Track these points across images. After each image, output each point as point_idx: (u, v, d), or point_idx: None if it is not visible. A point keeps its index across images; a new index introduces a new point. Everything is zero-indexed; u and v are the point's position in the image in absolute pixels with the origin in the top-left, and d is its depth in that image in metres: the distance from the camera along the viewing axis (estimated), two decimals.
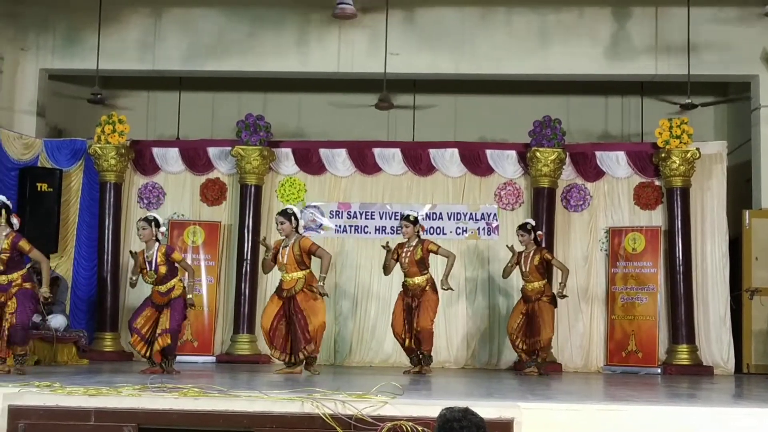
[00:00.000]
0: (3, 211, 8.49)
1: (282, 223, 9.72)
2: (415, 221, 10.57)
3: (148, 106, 14.96)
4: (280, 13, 13.26)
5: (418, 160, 12.91)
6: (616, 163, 12.64)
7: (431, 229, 12.49)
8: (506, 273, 11.07)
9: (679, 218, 12.21)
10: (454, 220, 12.80)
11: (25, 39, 13.31)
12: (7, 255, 8.39)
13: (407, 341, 10.40)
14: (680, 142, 12.15)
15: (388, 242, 10.79)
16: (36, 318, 10.03)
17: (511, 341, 10.86)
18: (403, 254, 10.49)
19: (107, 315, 12.55)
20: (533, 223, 11.09)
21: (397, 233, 12.07)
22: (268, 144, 12.75)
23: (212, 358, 12.38)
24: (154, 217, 9.42)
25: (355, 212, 12.95)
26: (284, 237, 9.76)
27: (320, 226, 12.86)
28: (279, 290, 9.73)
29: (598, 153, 12.74)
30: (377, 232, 12.83)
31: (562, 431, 6.02)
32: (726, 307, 12.23)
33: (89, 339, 11.83)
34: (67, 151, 13.05)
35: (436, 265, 11.01)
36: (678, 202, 12.23)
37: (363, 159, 12.94)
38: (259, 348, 12.36)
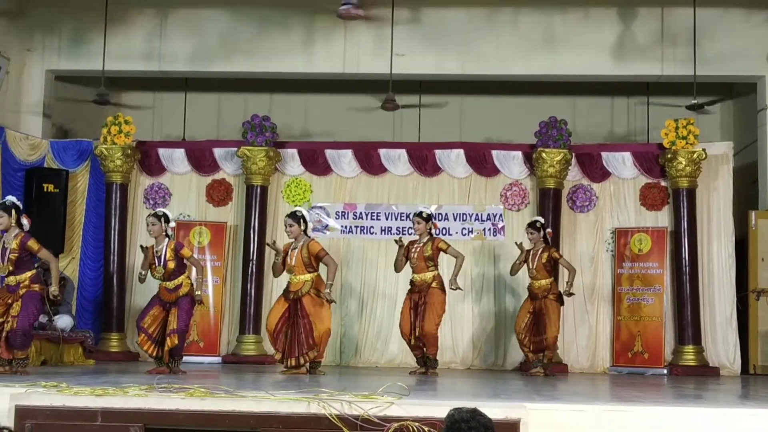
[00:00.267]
0: (13, 212, 8.51)
1: (291, 226, 9.74)
2: (428, 218, 10.56)
3: (154, 106, 14.98)
4: (286, 14, 13.26)
5: (423, 160, 12.91)
6: (622, 164, 12.63)
7: (437, 230, 12.49)
8: (514, 270, 11.05)
9: (686, 219, 12.20)
10: (459, 220, 12.80)
11: (32, 40, 13.34)
12: (16, 255, 8.40)
13: (413, 341, 10.40)
14: (686, 143, 12.14)
15: (401, 237, 10.81)
16: (42, 318, 10.05)
17: (519, 340, 10.82)
18: (413, 250, 10.48)
19: (113, 315, 12.58)
20: (542, 221, 11.07)
21: (406, 233, 12.08)
22: (274, 145, 12.77)
23: (218, 359, 12.40)
24: (164, 212, 9.45)
25: (360, 213, 12.95)
26: (293, 239, 9.78)
27: (326, 226, 12.86)
28: (286, 292, 9.74)
29: (604, 154, 12.74)
30: (383, 232, 12.83)
31: None
32: (732, 307, 12.21)
33: (95, 339, 11.85)
34: (73, 151, 13.07)
35: (444, 265, 10.99)
36: (684, 203, 12.22)
37: (369, 160, 12.95)
38: (265, 348, 12.37)
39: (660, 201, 12.55)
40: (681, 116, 12.60)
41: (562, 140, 12.43)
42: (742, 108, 14.13)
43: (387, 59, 12.61)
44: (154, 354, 9.23)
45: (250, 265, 12.56)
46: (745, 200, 12.91)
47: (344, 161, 12.97)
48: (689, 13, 12.48)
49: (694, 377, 11.27)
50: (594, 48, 12.96)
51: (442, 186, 12.95)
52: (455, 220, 12.79)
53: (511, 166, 12.80)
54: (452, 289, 10.47)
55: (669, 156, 12.19)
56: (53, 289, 8.56)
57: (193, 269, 9.56)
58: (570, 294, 10.86)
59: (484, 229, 12.80)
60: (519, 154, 12.79)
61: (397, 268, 10.78)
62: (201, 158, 13.06)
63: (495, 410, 5.43)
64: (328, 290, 9.59)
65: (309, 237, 9.82)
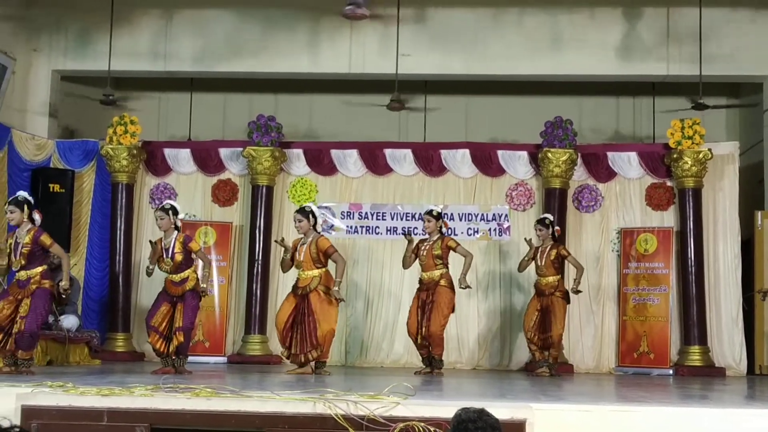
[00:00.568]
0: (25, 207, 8.55)
1: (300, 221, 9.76)
2: (438, 216, 10.55)
3: (160, 107, 14.98)
4: (292, 14, 13.26)
5: (429, 160, 12.91)
6: (627, 164, 12.62)
7: (447, 230, 12.49)
8: (522, 267, 11.05)
9: (691, 219, 12.19)
10: (465, 220, 12.79)
11: (38, 40, 13.36)
12: (28, 248, 8.44)
13: (420, 340, 10.38)
14: (692, 143, 12.13)
15: (410, 231, 10.80)
16: (49, 318, 10.06)
17: (528, 339, 10.77)
18: (423, 248, 10.47)
19: (119, 315, 12.59)
20: (551, 218, 11.08)
21: (412, 233, 12.07)
22: (280, 145, 12.77)
23: (224, 359, 12.41)
24: (172, 206, 9.47)
25: (366, 213, 12.95)
26: (302, 235, 9.79)
27: (331, 226, 12.86)
28: (295, 288, 9.75)
29: (609, 154, 12.73)
30: (388, 232, 12.84)
31: None
32: (738, 308, 12.19)
33: (101, 339, 11.87)
34: (79, 152, 13.10)
35: (453, 264, 10.98)
36: (690, 203, 12.21)
37: (374, 160, 12.95)
38: (270, 348, 12.38)
39: (666, 201, 12.54)
40: (687, 116, 12.59)
41: (567, 140, 12.42)
42: (748, 108, 14.10)
43: (393, 59, 12.61)
44: (164, 351, 9.22)
45: (256, 265, 12.57)
46: (751, 200, 12.89)
47: (350, 161, 12.98)
48: (695, 12, 12.46)
49: (699, 378, 11.25)
50: (600, 48, 12.95)
51: (448, 186, 12.95)
52: (461, 220, 12.78)
53: (517, 166, 12.80)
54: (462, 287, 10.43)
55: (675, 156, 12.17)
56: (64, 283, 8.59)
57: (200, 264, 9.57)
58: (577, 292, 10.85)
59: (489, 229, 12.79)
60: (524, 154, 12.79)
61: (405, 265, 10.76)
62: (206, 158, 13.07)
63: (501, 410, 5.41)
64: (336, 288, 9.60)
65: (318, 233, 9.84)
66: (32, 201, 8.71)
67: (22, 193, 8.77)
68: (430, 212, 10.56)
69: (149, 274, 9.54)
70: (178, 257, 9.17)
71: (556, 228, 10.98)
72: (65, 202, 12.74)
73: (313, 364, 9.57)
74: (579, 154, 12.52)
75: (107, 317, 12.68)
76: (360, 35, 13.08)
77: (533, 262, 10.83)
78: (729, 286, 12.27)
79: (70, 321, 10.99)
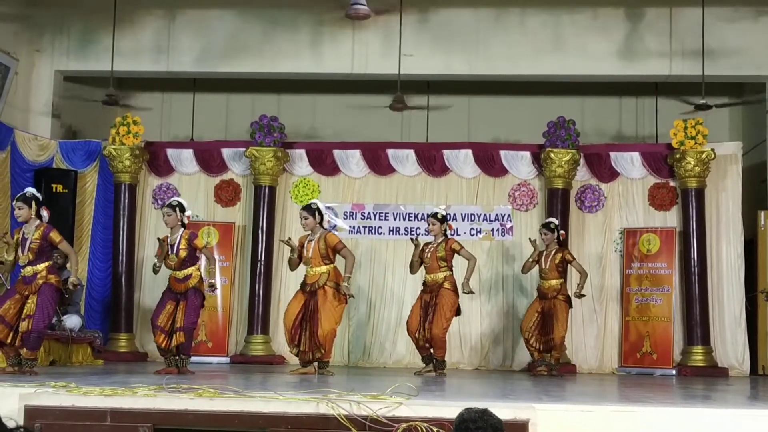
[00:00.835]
0: (33, 203, 8.57)
1: (306, 218, 9.75)
2: (443, 219, 10.52)
3: (163, 107, 15.00)
4: (294, 15, 13.26)
5: (431, 161, 12.91)
6: (630, 164, 12.62)
7: (451, 231, 12.48)
8: (525, 268, 11.05)
9: (694, 219, 12.18)
10: (468, 221, 12.79)
11: (40, 41, 13.37)
12: (37, 244, 8.46)
13: (420, 341, 10.37)
14: (695, 143, 12.12)
15: (417, 236, 10.81)
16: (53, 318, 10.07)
17: (525, 339, 10.80)
18: (427, 251, 10.46)
19: (122, 316, 12.59)
20: (557, 222, 11.09)
21: (414, 234, 12.07)
22: (282, 145, 12.78)
23: (226, 359, 12.42)
24: (178, 202, 9.46)
25: (368, 213, 12.95)
26: (308, 232, 9.79)
27: (334, 227, 12.83)
28: (303, 285, 9.75)
29: (612, 154, 12.73)
30: (391, 233, 12.84)
31: None
32: (741, 308, 12.18)
33: (104, 339, 11.88)
34: (81, 152, 13.10)
35: (457, 267, 10.97)
36: (693, 203, 12.20)
37: (377, 160, 12.95)
38: (273, 349, 12.40)
39: (669, 201, 12.53)
40: (690, 116, 12.58)
41: (570, 140, 12.42)
42: (750, 108, 14.09)
43: (395, 60, 12.61)
44: (167, 347, 9.20)
45: (259, 265, 12.58)
46: (754, 200, 12.88)
47: (352, 161, 12.98)
48: (697, 12, 12.44)
49: (702, 378, 11.25)
50: (602, 48, 12.93)
51: (450, 186, 12.94)
52: (463, 220, 12.78)
53: (520, 166, 12.80)
54: (464, 292, 10.40)
55: (678, 156, 12.17)
56: (73, 279, 8.62)
57: (203, 260, 9.57)
58: (580, 296, 10.86)
59: (492, 230, 12.79)
60: (527, 154, 12.79)
61: (413, 270, 10.72)
62: (209, 159, 13.08)
63: (504, 411, 5.42)
64: (346, 283, 9.59)
65: (325, 229, 9.84)
66: (40, 197, 8.75)
67: (30, 190, 8.81)
68: (434, 215, 10.53)
69: (156, 271, 9.56)
70: (183, 253, 9.19)
71: (561, 232, 10.98)
72: (68, 202, 12.75)
73: (315, 364, 9.57)
74: (582, 155, 12.51)
75: (110, 317, 12.69)
76: (362, 35, 13.07)
77: (537, 266, 10.83)
78: (732, 286, 12.26)
79: (72, 321, 10.99)
